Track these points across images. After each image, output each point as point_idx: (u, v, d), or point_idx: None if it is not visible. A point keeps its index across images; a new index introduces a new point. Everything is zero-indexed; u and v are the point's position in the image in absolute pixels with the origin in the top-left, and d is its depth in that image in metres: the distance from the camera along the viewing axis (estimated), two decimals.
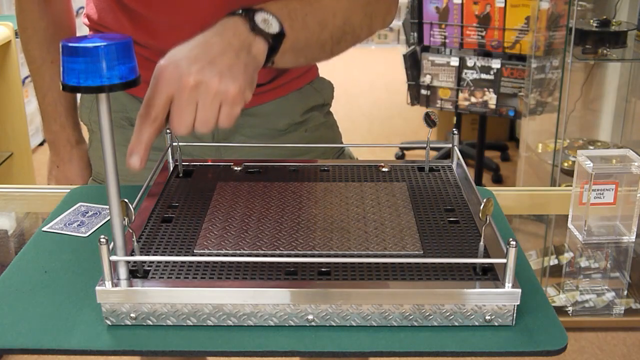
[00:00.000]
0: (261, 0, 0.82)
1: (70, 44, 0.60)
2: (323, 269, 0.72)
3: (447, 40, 2.95)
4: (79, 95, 1.16)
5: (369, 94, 4.90)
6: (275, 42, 0.79)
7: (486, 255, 0.74)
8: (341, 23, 0.91)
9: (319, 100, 1.18)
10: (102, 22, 1.08)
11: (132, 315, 0.70)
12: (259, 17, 0.78)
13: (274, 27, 0.79)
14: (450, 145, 0.98)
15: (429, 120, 0.93)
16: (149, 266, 0.73)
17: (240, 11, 0.78)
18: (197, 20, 0.98)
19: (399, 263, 0.73)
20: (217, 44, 0.73)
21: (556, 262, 0.95)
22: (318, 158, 1.15)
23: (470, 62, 2.92)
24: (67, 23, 1.15)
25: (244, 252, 0.76)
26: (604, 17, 2.34)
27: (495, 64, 2.86)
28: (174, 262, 0.74)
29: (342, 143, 1.22)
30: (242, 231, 0.80)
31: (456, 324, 0.70)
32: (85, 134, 1.21)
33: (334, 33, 0.90)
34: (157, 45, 1.03)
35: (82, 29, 1.13)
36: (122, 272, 0.69)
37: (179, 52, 0.72)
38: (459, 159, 0.95)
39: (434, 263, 0.73)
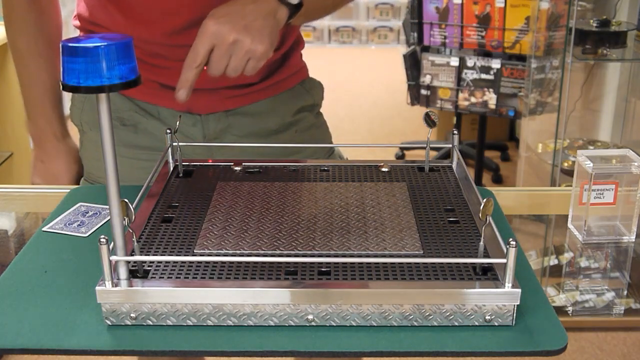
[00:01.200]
0: None
1: (70, 44, 0.60)
2: (323, 269, 0.73)
3: (447, 40, 2.95)
4: (66, 94, 1.16)
5: (369, 94, 4.90)
6: (294, 10, 0.94)
7: (486, 255, 0.74)
8: None
9: (309, 101, 1.19)
10: (93, 19, 1.08)
11: (132, 315, 0.70)
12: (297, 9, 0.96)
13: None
14: (450, 145, 0.98)
15: (429, 120, 0.93)
16: (149, 266, 0.73)
17: None
18: (192, 4, 0.99)
19: (399, 263, 0.73)
20: (251, 11, 0.89)
21: (556, 262, 0.95)
22: (308, 158, 1.15)
23: (470, 62, 2.92)
24: (54, 17, 1.15)
25: (244, 252, 0.76)
26: (604, 17, 2.34)
27: (495, 64, 2.86)
28: (174, 262, 0.74)
29: (332, 144, 1.23)
30: (242, 231, 0.80)
31: (456, 324, 0.70)
32: (74, 134, 1.20)
33: None
34: (151, 37, 1.03)
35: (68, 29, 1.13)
36: (122, 272, 0.69)
37: (221, 13, 0.88)
38: (459, 159, 0.96)
39: (434, 263, 0.73)
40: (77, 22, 1.13)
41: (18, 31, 1.12)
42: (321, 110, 1.24)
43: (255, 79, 1.11)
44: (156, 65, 1.06)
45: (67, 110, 1.19)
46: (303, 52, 1.21)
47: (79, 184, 1.20)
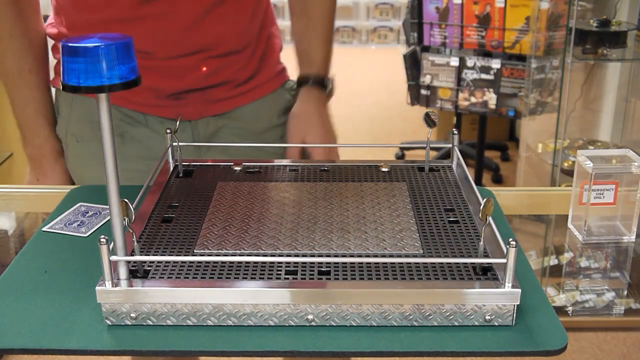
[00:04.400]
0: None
1: (70, 44, 0.60)
2: (323, 269, 0.73)
3: (447, 40, 2.95)
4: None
5: (369, 94, 4.90)
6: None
7: (486, 255, 0.74)
8: (331, 16, 1.22)
9: (292, 101, 1.22)
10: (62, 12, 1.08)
11: (132, 315, 0.70)
12: (329, 86, 1.22)
13: (331, 83, 1.22)
14: (450, 145, 0.98)
15: (429, 120, 0.93)
16: (149, 266, 0.73)
17: (311, 82, 1.19)
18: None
19: (399, 263, 0.73)
20: (314, 114, 1.18)
21: (556, 262, 0.95)
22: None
23: (470, 62, 2.92)
24: (40, 29, 1.13)
25: (244, 252, 0.76)
26: (604, 17, 2.34)
27: (495, 64, 2.86)
28: (174, 262, 0.74)
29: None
30: (242, 231, 0.80)
31: (456, 324, 0.70)
32: None
33: (331, 28, 1.23)
34: (120, 13, 1.03)
35: None
36: (122, 272, 0.69)
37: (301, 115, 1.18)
38: (459, 159, 0.95)
39: (433, 263, 0.73)
40: (54, 30, 1.12)
41: (7, 48, 1.09)
42: None
43: (243, 79, 1.15)
44: (140, 66, 1.07)
45: None
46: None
47: None
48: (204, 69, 1.10)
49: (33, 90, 1.12)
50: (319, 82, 1.19)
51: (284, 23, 6.38)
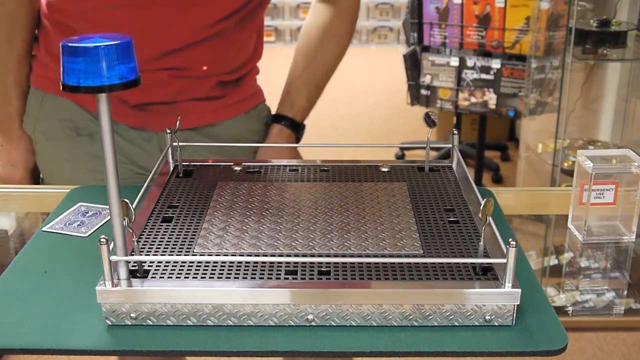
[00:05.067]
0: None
1: (70, 44, 0.60)
2: (323, 269, 0.73)
3: (447, 41, 2.95)
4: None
5: (369, 94, 4.90)
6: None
7: (486, 255, 0.74)
8: (332, 68, 1.26)
9: (264, 124, 1.24)
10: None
11: (132, 315, 0.70)
12: (300, 132, 1.24)
13: (303, 130, 1.26)
14: (450, 145, 0.97)
15: (429, 120, 0.93)
16: (149, 266, 0.73)
17: (284, 123, 1.22)
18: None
19: (399, 263, 0.73)
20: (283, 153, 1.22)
21: (556, 262, 0.95)
22: None
23: (470, 62, 2.92)
24: (38, 6, 1.14)
25: (244, 252, 0.76)
26: (604, 17, 2.34)
27: (495, 64, 2.86)
28: (174, 262, 0.74)
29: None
30: (242, 231, 0.80)
31: (456, 324, 0.70)
32: None
33: (327, 78, 1.27)
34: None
35: None
36: (122, 272, 0.69)
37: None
38: (459, 159, 0.95)
39: (433, 263, 0.73)
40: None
41: (8, 16, 1.10)
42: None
43: (218, 94, 1.15)
44: None
45: None
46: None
47: (33, 177, 1.22)
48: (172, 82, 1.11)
49: (19, 61, 1.13)
50: (292, 125, 1.22)
51: (284, 23, 6.37)
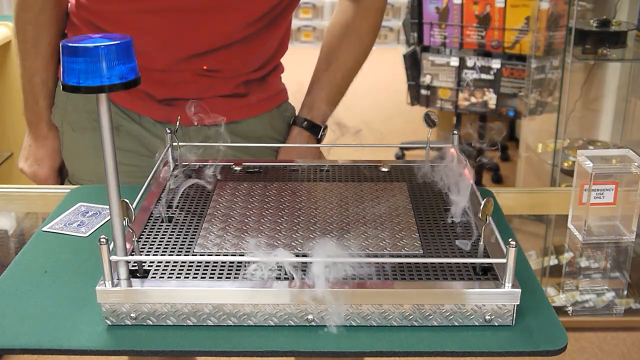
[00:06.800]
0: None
1: (71, 44, 0.60)
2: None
3: (447, 41, 2.95)
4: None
5: (369, 94, 4.90)
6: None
7: (486, 255, 0.74)
8: (353, 68, 1.23)
9: (287, 123, 1.23)
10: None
11: (132, 315, 0.70)
12: (321, 134, 1.22)
13: (324, 132, 1.23)
14: (450, 145, 0.97)
15: (429, 120, 0.93)
16: (149, 266, 0.73)
17: (305, 125, 1.21)
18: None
19: (399, 263, 0.73)
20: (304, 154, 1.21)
21: (556, 262, 0.95)
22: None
23: (470, 62, 2.92)
24: (65, 6, 1.15)
25: (244, 252, 0.76)
26: (604, 17, 2.34)
27: (495, 64, 2.86)
28: (174, 262, 0.74)
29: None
30: (242, 231, 0.80)
31: (456, 324, 0.70)
32: None
33: (349, 79, 1.24)
34: (151, 64, 1.05)
35: None
36: (122, 272, 0.69)
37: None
38: (459, 159, 0.95)
39: (433, 263, 0.73)
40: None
41: (33, 21, 1.11)
42: None
43: (241, 92, 1.15)
44: (147, 76, 1.08)
45: None
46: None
47: (60, 176, 1.22)
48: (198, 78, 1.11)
49: (46, 62, 1.14)
50: (312, 127, 1.21)
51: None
